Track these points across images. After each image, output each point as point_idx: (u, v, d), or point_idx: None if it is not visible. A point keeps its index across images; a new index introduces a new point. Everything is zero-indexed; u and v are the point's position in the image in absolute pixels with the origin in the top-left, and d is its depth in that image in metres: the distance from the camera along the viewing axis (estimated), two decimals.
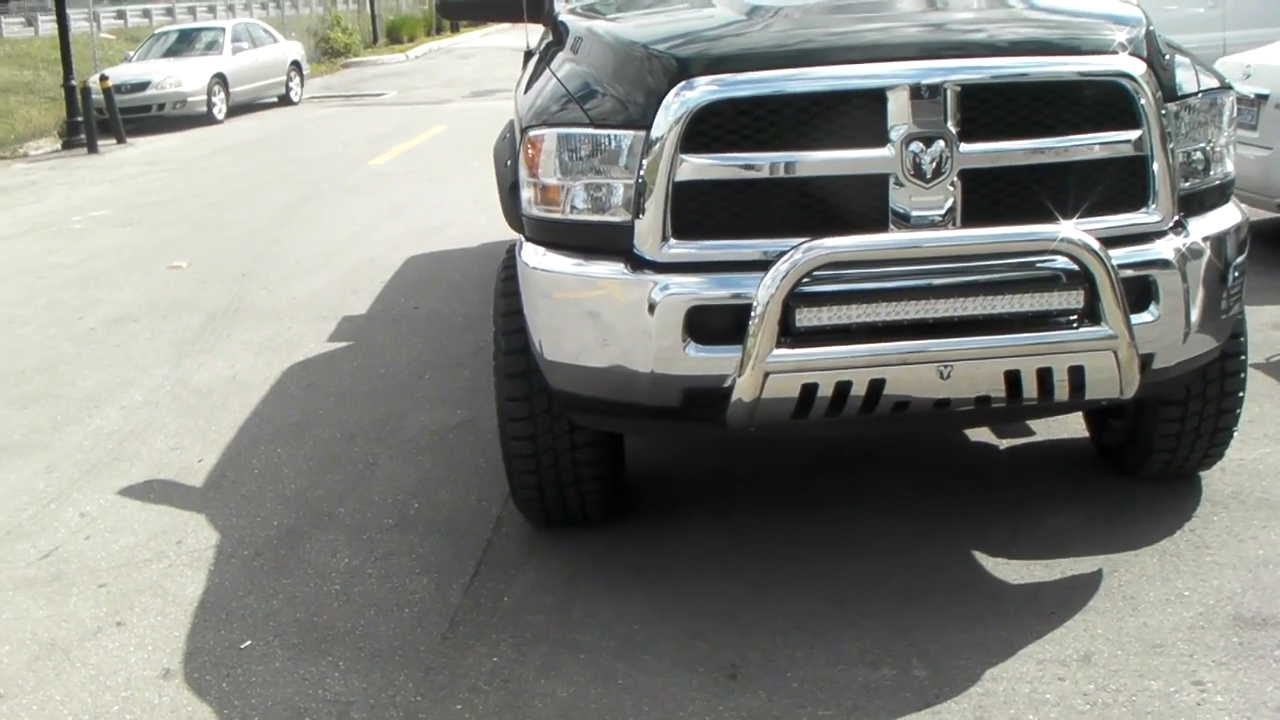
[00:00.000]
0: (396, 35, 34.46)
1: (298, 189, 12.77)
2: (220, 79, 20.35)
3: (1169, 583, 4.00)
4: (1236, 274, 4.00)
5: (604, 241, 3.77)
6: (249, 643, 3.96)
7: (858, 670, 3.61)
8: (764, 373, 3.51)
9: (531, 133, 3.88)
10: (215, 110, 20.12)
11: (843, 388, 3.56)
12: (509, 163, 4.23)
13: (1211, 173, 3.95)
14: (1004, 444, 5.23)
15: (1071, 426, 5.20)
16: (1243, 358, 4.37)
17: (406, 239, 10.01)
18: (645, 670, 3.68)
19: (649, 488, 4.87)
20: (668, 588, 4.16)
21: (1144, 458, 4.58)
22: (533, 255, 3.95)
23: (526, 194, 3.96)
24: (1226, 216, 3.99)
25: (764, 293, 3.46)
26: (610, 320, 3.75)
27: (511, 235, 10.16)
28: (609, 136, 3.72)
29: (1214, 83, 3.99)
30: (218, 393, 6.42)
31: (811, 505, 4.71)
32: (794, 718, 3.41)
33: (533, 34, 6.21)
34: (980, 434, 5.30)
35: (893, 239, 3.56)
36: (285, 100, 22.28)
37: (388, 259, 9.31)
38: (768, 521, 4.58)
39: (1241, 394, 4.42)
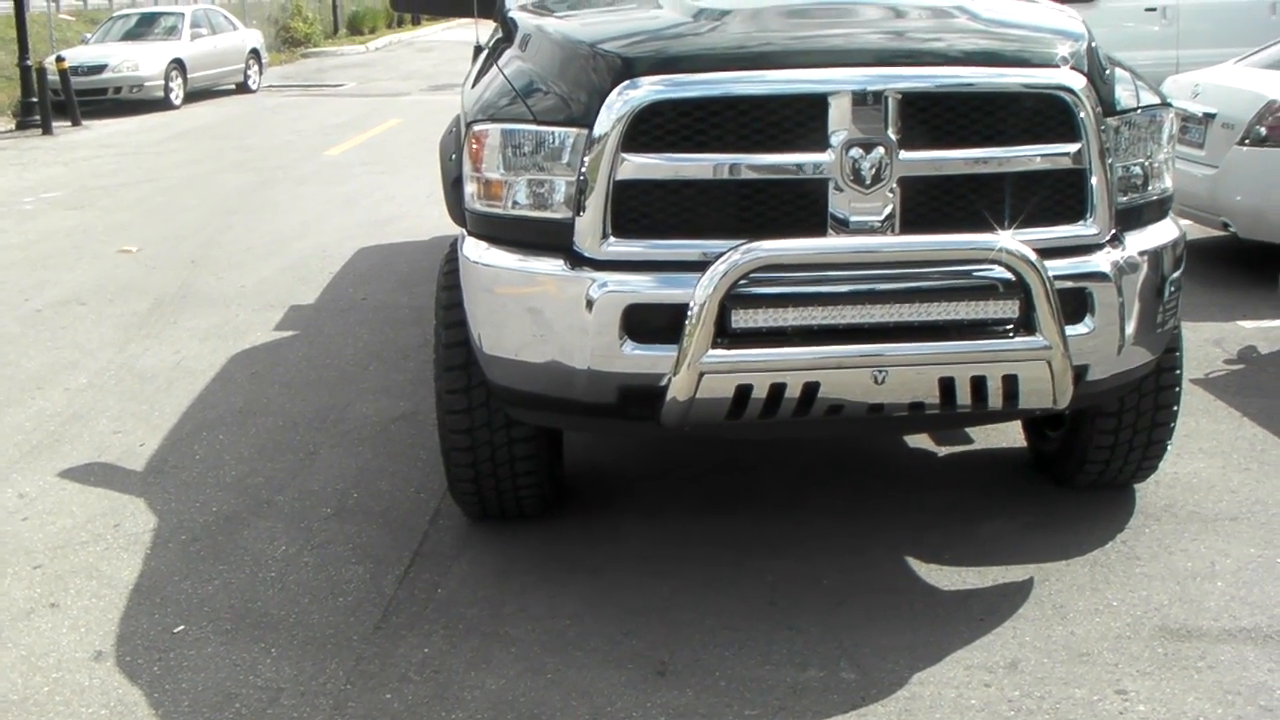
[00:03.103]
0: (357, 26, 34.26)
1: (251, 177, 12.70)
2: (178, 64, 20.16)
3: (1098, 593, 4.05)
4: (1172, 289, 4.06)
5: (545, 238, 3.78)
6: (182, 627, 3.94)
7: (786, 671, 3.64)
8: (699, 372, 3.53)
9: (476, 128, 3.88)
10: (172, 95, 19.94)
11: (777, 389, 3.59)
12: (454, 157, 4.23)
13: (1150, 188, 4.00)
14: (942, 451, 5.28)
15: (1009, 436, 5.26)
16: (1178, 372, 4.43)
17: (358, 230, 9.98)
18: (575, 665, 3.70)
19: (586, 485, 4.88)
20: (601, 584, 4.17)
21: (1078, 468, 4.64)
22: (474, 250, 3.95)
23: (470, 188, 3.96)
24: (1164, 232, 4.04)
25: (701, 293, 3.48)
26: (549, 316, 3.76)
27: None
28: (552, 133, 3.73)
29: (1154, 99, 4.04)
30: (162, 378, 6.38)
31: (749, 507, 4.73)
32: (720, 716, 3.43)
33: (483, 30, 6.23)
34: (919, 440, 5.34)
35: (831, 244, 3.59)
36: (243, 88, 22.11)
37: (338, 249, 9.28)
38: (704, 521, 4.60)
39: (1176, 408, 4.48)
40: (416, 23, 37.42)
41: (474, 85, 4.48)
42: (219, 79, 21.58)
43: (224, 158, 14.16)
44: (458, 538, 4.54)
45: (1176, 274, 4.08)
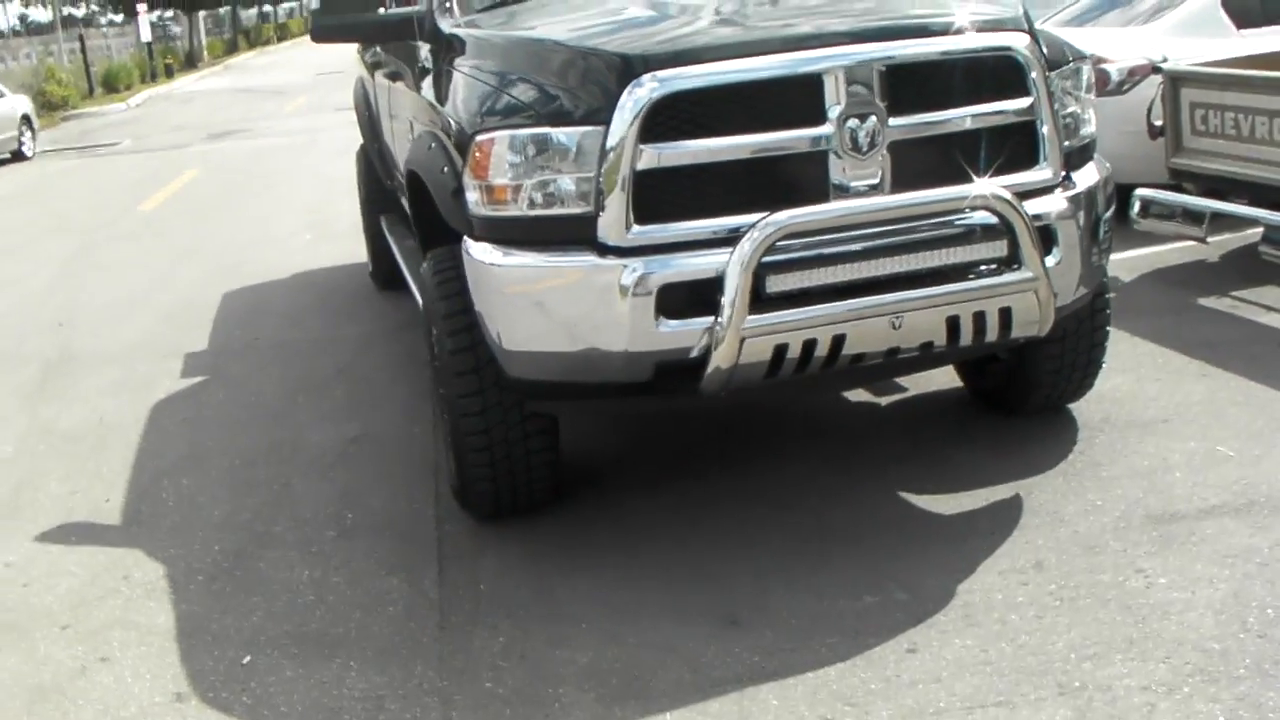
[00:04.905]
0: (113, 84, 33.22)
1: (74, 239, 12.33)
2: None
3: (1081, 496, 4.49)
4: (1108, 221, 4.53)
5: (565, 233, 3.99)
6: (249, 658, 3.99)
7: (844, 602, 3.94)
8: (741, 338, 3.81)
9: (480, 137, 4.06)
10: None
11: (809, 345, 3.90)
12: (444, 169, 4.39)
13: (1083, 132, 4.46)
14: (884, 401, 5.67)
15: (938, 380, 5.67)
16: (1109, 295, 4.92)
17: (212, 277, 9.85)
18: (650, 629, 3.91)
19: (574, 471, 5.07)
20: (634, 557, 4.39)
21: (1026, 394, 5.08)
22: (488, 253, 4.12)
23: (474, 195, 4.13)
24: (1097, 171, 4.50)
25: (736, 264, 3.76)
26: (582, 306, 3.97)
27: (327, 264, 10.10)
28: (564, 134, 3.94)
29: (1077, 53, 4.50)
30: (92, 436, 6.28)
31: (732, 469, 5.02)
32: (807, 649, 3.71)
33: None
34: (858, 395, 5.72)
35: (849, 205, 3.91)
36: (19, 155, 21.21)
37: (202, 297, 9.16)
38: (699, 488, 4.87)
39: (1109, 328, 4.98)
40: (170, 75, 36.57)
41: (444, 101, 4.65)
42: None
43: (36, 224, 13.67)
44: (472, 538, 4.68)
45: (1110, 210, 4.56)
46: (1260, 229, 6.53)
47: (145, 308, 9.04)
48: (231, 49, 45.20)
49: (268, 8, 57.35)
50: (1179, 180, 7.05)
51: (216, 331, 8.18)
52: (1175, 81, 6.96)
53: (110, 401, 6.82)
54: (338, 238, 10.68)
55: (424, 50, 5.26)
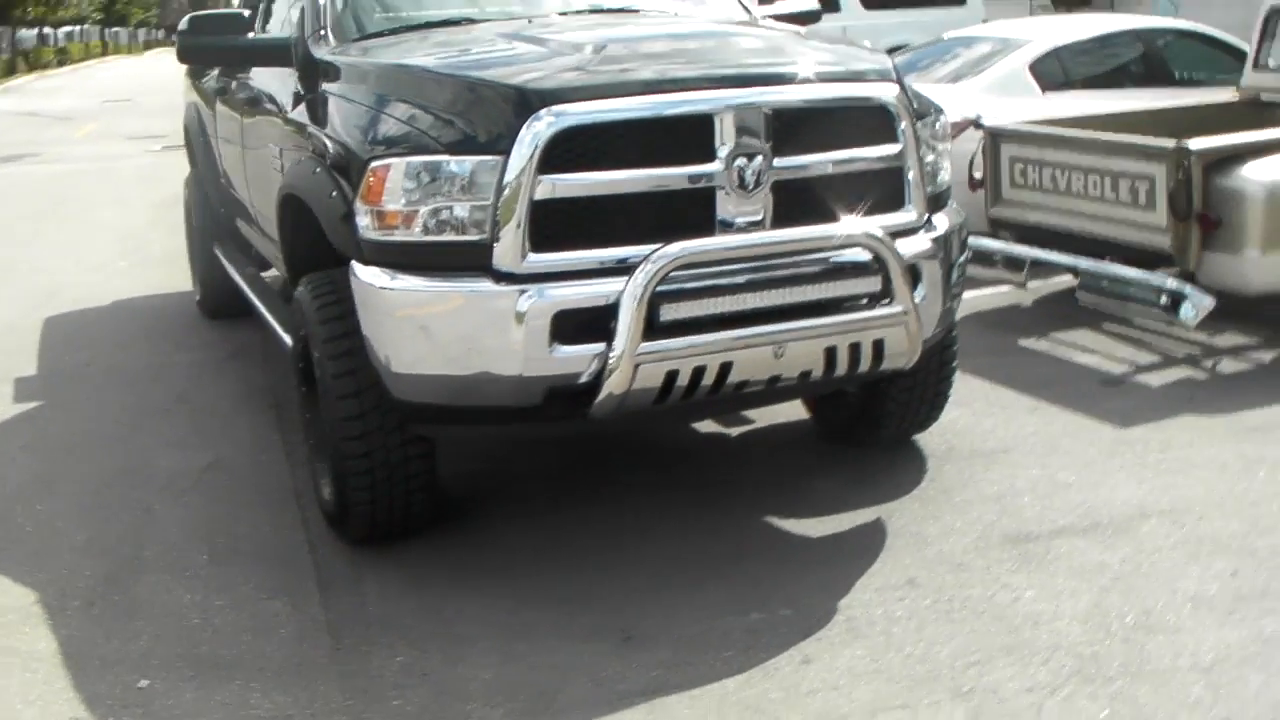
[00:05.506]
0: None
1: None
2: None
3: (940, 520, 4.79)
4: (961, 265, 4.88)
5: (461, 259, 4.11)
6: (146, 682, 3.93)
7: (732, 619, 4.13)
8: (635, 364, 3.99)
9: (376, 163, 4.16)
10: None
11: (699, 371, 4.11)
12: (333, 194, 4.45)
13: (939, 179, 4.80)
14: (734, 432, 5.93)
15: (783, 413, 5.94)
16: (955, 334, 5.27)
17: (27, 302, 9.53)
18: (547, 649, 4.02)
19: (452, 496, 5.15)
20: (516, 579, 4.50)
21: (875, 427, 5.39)
22: (378, 277, 4.21)
23: (365, 220, 4.21)
24: (953, 216, 4.84)
25: (632, 293, 3.95)
26: (476, 331, 4.09)
27: (146, 291, 9.82)
28: (459, 163, 4.08)
29: (937, 106, 4.85)
30: None
31: (600, 497, 5.19)
32: (704, 662, 3.88)
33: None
34: (707, 426, 5.97)
35: (740, 239, 4.15)
36: None
37: (23, 322, 8.85)
38: (571, 515, 5.02)
39: (955, 364, 5.33)
40: None
41: (325, 127, 4.72)
42: None
43: None
44: (348, 563, 4.71)
45: (966, 253, 4.91)
46: (1073, 276, 7.05)
47: None
48: (10, 70, 43.39)
49: (47, 30, 55.29)
50: (997, 230, 7.53)
51: (44, 356, 7.94)
52: (996, 138, 7.45)
53: None
54: (153, 264, 10.48)
55: (295, 77, 5.30)
